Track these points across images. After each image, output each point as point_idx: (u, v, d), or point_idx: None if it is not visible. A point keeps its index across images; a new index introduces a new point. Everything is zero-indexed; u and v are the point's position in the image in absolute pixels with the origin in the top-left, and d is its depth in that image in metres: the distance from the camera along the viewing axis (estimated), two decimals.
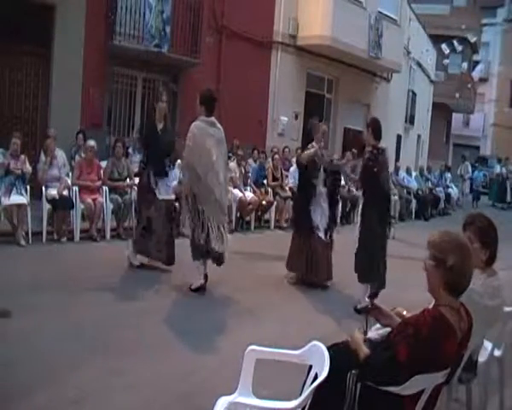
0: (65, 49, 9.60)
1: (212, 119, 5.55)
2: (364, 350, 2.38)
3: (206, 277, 5.61)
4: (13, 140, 7.39)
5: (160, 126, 6.37)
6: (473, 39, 22.76)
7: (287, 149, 12.08)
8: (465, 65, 25.77)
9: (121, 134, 10.75)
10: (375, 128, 5.42)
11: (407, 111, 21.02)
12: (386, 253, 5.61)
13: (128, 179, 8.45)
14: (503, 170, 19.81)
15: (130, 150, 10.02)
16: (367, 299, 5.62)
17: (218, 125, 5.65)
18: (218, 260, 5.62)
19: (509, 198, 19.43)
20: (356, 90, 15.99)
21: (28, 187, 7.38)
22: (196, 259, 5.54)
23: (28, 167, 7.48)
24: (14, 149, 7.33)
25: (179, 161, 9.10)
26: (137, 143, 7.65)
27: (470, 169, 19.81)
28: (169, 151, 6.44)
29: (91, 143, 8.19)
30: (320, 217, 6.31)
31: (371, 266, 5.43)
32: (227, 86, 11.80)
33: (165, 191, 6.45)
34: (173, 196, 6.94)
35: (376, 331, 2.65)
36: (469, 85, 27.71)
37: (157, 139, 6.30)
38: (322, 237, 6.30)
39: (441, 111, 27.11)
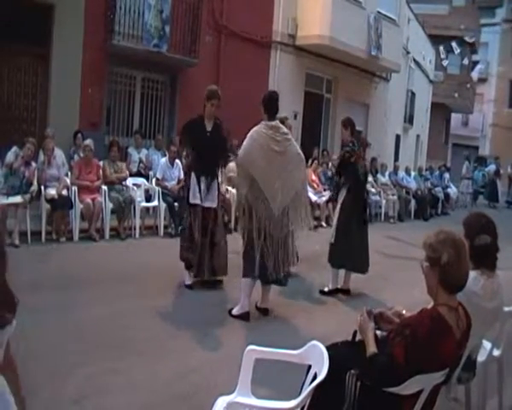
0: (64, 49, 9.59)
1: (275, 123, 4.89)
2: (372, 348, 2.38)
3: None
4: (27, 145, 7.26)
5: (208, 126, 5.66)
6: (471, 40, 22.79)
7: None
8: (465, 63, 25.75)
9: (120, 134, 10.75)
10: (353, 127, 6.18)
11: (406, 111, 21.01)
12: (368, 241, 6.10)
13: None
14: (493, 167, 19.91)
15: (129, 150, 10.05)
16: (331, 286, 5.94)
17: (284, 129, 4.95)
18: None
19: (499, 197, 19.47)
20: (355, 90, 15.99)
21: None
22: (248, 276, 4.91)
23: (35, 183, 7.31)
24: (27, 154, 7.24)
25: (178, 161, 9.17)
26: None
27: (471, 169, 19.89)
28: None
29: (88, 142, 8.19)
30: None
31: (348, 251, 5.79)
32: (226, 86, 11.76)
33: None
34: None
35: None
36: (468, 85, 27.73)
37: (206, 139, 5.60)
38: None
39: (440, 111, 27.13)
